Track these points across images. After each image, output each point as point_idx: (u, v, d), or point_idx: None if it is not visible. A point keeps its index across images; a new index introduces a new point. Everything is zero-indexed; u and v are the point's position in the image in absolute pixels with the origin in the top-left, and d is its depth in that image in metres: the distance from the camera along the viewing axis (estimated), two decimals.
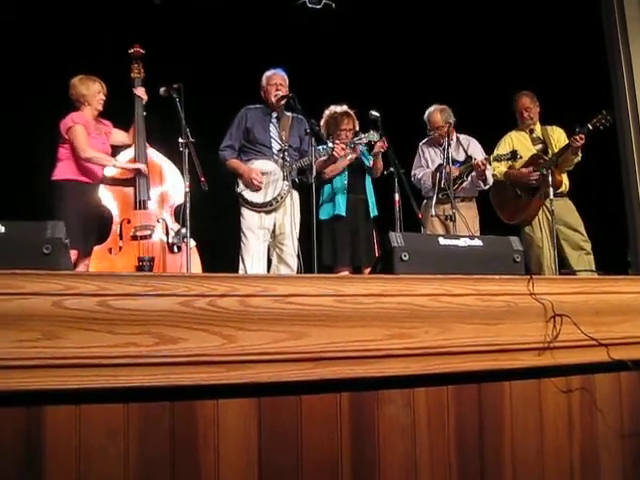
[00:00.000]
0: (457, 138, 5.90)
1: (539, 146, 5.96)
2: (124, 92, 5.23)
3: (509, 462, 2.73)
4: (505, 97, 6.19)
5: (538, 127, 6.03)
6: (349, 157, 5.49)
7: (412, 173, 5.95)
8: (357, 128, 5.62)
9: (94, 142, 4.92)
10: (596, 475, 2.86)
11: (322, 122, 5.69)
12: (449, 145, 5.82)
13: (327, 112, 5.71)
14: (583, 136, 5.52)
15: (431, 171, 5.88)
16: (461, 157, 5.73)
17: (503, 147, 5.95)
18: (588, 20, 6.84)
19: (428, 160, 5.98)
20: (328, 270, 5.28)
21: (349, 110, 5.65)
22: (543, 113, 6.05)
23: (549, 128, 5.99)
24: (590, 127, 5.53)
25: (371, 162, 5.62)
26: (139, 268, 4.65)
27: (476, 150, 5.84)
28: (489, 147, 5.90)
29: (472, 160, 5.64)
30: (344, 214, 5.43)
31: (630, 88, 6.51)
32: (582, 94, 6.36)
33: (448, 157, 5.53)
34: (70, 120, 4.89)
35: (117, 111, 5.30)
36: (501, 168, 5.96)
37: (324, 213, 5.49)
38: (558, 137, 5.88)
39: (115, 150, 5.13)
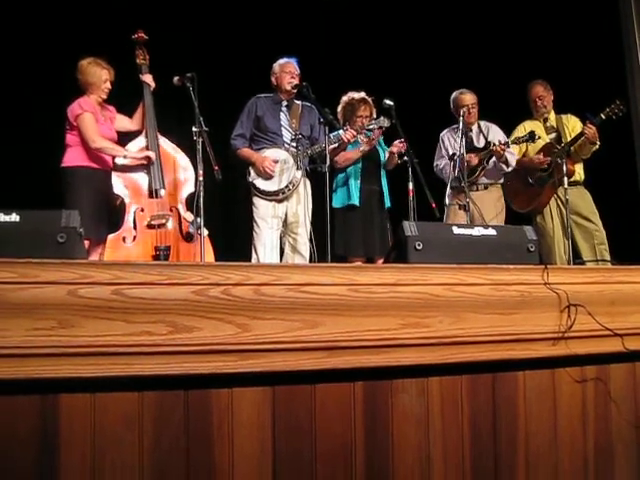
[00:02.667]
0: (478, 125, 5.87)
1: (552, 135, 5.93)
2: (126, 78, 5.19)
3: (522, 452, 2.73)
4: (519, 86, 6.16)
5: (552, 116, 5.99)
6: (361, 149, 5.48)
7: (435, 164, 5.92)
8: (374, 116, 5.60)
9: (102, 129, 4.87)
10: (610, 465, 2.86)
11: (339, 108, 5.68)
12: (471, 131, 5.82)
13: (345, 98, 5.69)
14: (592, 125, 5.50)
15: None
16: (481, 144, 5.70)
17: (519, 132, 5.92)
18: (602, 7, 6.79)
19: (449, 149, 5.93)
20: (341, 260, 5.27)
21: (367, 97, 5.63)
22: (558, 102, 6.02)
23: (564, 117, 5.95)
24: (603, 116, 5.52)
25: (386, 155, 5.59)
26: (155, 257, 4.65)
27: (497, 135, 5.82)
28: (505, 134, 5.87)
29: (491, 145, 5.61)
30: (357, 204, 5.42)
31: None
32: (597, 82, 6.32)
33: (462, 145, 5.50)
34: (78, 107, 4.82)
35: (120, 97, 5.26)
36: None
37: (337, 201, 5.49)
38: (573, 126, 5.83)
39: (121, 136, 5.08)
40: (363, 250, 5.42)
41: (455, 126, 5.97)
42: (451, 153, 5.75)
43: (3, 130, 5.62)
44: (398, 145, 5.37)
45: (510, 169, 5.79)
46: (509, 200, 6.03)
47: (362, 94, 5.64)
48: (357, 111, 5.59)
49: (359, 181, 5.49)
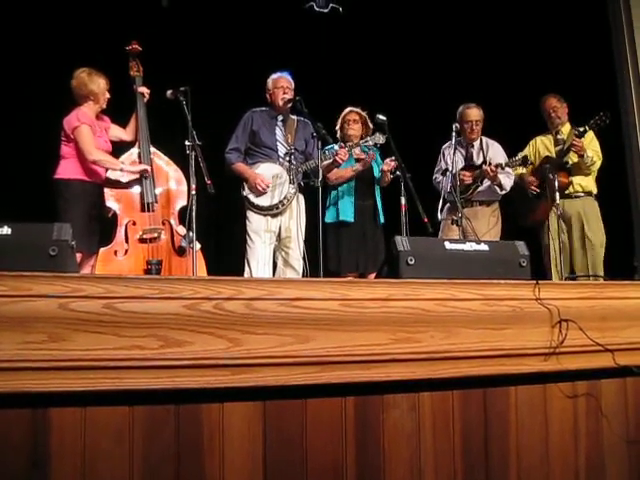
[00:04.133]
0: (481, 141, 5.86)
1: (559, 147, 5.90)
2: (122, 89, 5.19)
3: (514, 467, 2.73)
4: (517, 100, 6.21)
5: (566, 129, 5.93)
6: (354, 168, 5.50)
7: (434, 176, 5.88)
8: (369, 125, 5.63)
9: (99, 141, 4.85)
10: None
11: (337, 129, 5.75)
12: (472, 147, 5.81)
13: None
14: (578, 139, 5.51)
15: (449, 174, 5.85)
16: (480, 161, 5.70)
17: (525, 151, 5.93)
18: (594, 19, 6.83)
19: (448, 163, 5.93)
20: (334, 275, 5.27)
21: (355, 108, 5.71)
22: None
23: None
24: (587, 128, 5.51)
25: (380, 171, 5.61)
26: (147, 271, 4.63)
27: (496, 154, 5.80)
28: (509, 151, 5.87)
29: (486, 165, 5.61)
30: (350, 220, 5.43)
31: (637, 89, 6.49)
32: (590, 94, 6.34)
33: (455, 161, 5.51)
34: (76, 119, 4.77)
35: (114, 108, 5.25)
36: (518, 171, 5.94)
37: (330, 217, 5.50)
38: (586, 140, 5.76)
39: (116, 149, 5.06)
40: (355, 266, 5.41)
41: (456, 139, 5.99)
42: (444, 168, 5.77)
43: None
44: (389, 163, 5.38)
45: (504, 192, 5.79)
46: (515, 215, 6.03)
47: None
48: (343, 121, 5.68)
49: (353, 197, 5.50)
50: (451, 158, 5.78)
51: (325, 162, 5.22)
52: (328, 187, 5.49)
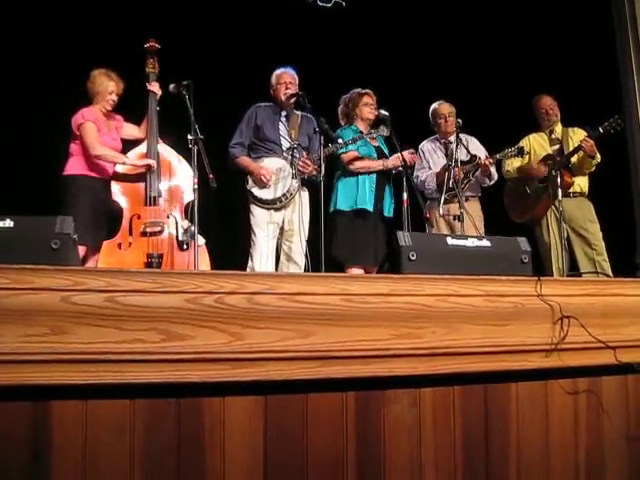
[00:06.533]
0: (458, 137, 5.82)
1: (556, 147, 5.92)
2: (137, 86, 5.22)
3: (514, 463, 2.73)
4: (514, 98, 6.21)
5: (559, 128, 6.00)
6: (390, 163, 5.44)
7: (414, 175, 5.84)
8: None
9: (104, 139, 4.90)
10: (601, 477, 2.86)
11: (340, 106, 5.70)
12: (450, 143, 5.81)
13: (344, 96, 5.71)
14: (589, 138, 5.52)
15: (434, 172, 5.83)
16: (464, 156, 5.68)
17: (523, 144, 5.93)
18: (599, 21, 6.81)
19: (430, 161, 5.94)
20: (340, 266, 5.24)
21: (367, 90, 5.65)
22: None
23: (570, 130, 5.93)
24: (601, 130, 5.52)
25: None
26: (148, 264, 4.65)
27: (478, 148, 5.82)
28: (499, 148, 5.86)
29: (477, 159, 5.61)
30: (370, 209, 5.34)
31: None
32: (598, 96, 6.34)
33: (456, 155, 5.50)
34: (80, 116, 4.86)
35: (130, 105, 5.27)
36: (514, 164, 5.95)
37: (343, 203, 5.40)
38: (579, 139, 5.73)
39: (127, 144, 5.10)
40: (366, 257, 5.34)
41: (433, 137, 6.03)
42: (436, 165, 5.80)
43: (7, 138, 5.61)
44: (410, 157, 5.39)
45: (492, 182, 5.81)
46: (507, 210, 6.05)
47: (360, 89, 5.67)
48: (359, 102, 5.59)
49: (374, 186, 5.42)
50: (431, 155, 5.94)
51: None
52: (345, 172, 5.46)
